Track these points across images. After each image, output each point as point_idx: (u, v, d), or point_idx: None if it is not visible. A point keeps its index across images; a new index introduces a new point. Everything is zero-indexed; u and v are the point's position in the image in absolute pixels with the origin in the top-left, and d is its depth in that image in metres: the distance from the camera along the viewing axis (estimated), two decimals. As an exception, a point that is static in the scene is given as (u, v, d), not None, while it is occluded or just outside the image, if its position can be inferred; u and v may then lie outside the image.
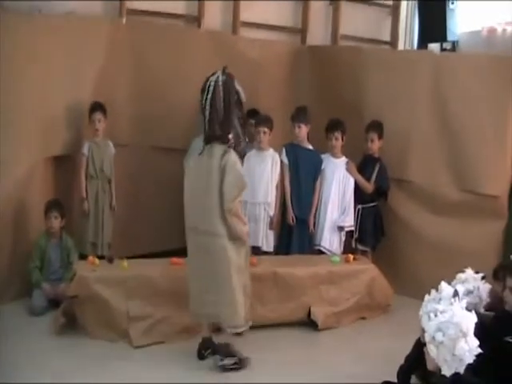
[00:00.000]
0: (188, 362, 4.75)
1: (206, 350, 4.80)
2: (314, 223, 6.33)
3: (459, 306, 3.69)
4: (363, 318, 5.95)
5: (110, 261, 5.25)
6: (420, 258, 6.59)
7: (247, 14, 7.29)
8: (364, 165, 6.51)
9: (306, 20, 7.66)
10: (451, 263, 6.29)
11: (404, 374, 4.38)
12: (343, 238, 6.43)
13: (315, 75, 7.38)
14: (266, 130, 6.18)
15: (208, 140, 4.64)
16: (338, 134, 6.36)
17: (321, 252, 6.32)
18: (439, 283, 6.19)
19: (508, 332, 4.16)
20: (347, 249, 6.45)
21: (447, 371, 3.57)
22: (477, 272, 4.85)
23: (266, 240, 6.18)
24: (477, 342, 3.57)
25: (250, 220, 5.98)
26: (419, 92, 6.62)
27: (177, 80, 6.77)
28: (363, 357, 5.15)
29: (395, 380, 4.38)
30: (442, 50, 7.97)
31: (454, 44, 7.90)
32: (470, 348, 3.55)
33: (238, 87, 4.69)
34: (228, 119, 4.58)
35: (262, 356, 4.92)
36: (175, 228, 6.57)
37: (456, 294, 3.84)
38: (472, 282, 4.73)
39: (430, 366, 3.72)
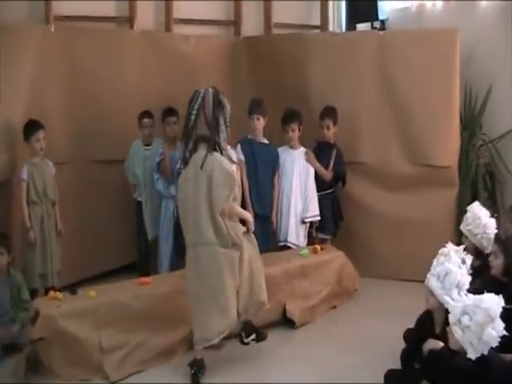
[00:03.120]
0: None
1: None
2: (277, 219, 5.59)
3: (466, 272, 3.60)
4: (334, 307, 5.35)
5: (73, 292, 4.32)
6: (378, 236, 6.07)
7: (180, 11, 6.47)
8: (320, 152, 5.80)
9: (239, 11, 6.86)
10: (409, 237, 6.00)
11: (409, 356, 3.88)
12: (307, 230, 5.72)
13: (255, 66, 6.59)
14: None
15: (195, 144, 4.13)
16: (294, 126, 5.63)
17: (285, 248, 5.57)
18: (399, 259, 5.84)
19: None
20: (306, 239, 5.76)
21: (473, 354, 3.22)
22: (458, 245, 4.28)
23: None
24: (502, 325, 3.21)
25: None
26: (364, 73, 6.02)
27: (113, 85, 5.88)
28: (346, 346, 4.62)
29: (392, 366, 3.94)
30: (373, 28, 7.32)
31: (384, 22, 7.25)
32: (497, 333, 3.20)
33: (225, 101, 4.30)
34: (216, 121, 4.14)
35: (247, 359, 4.39)
36: (125, 242, 5.97)
37: (464, 261, 3.69)
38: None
39: (453, 346, 3.35)
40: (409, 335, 4.41)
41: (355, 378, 4.11)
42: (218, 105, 4.20)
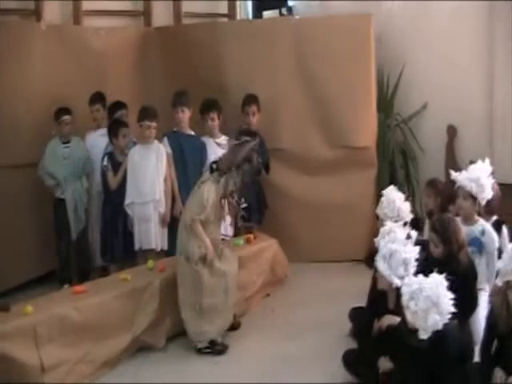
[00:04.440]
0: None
1: None
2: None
3: (412, 246, 3.63)
4: (267, 295, 5.18)
5: (6, 309, 3.78)
6: (301, 221, 5.92)
7: (88, 2, 5.95)
8: (242, 140, 5.54)
9: (149, 2, 6.43)
10: (331, 220, 5.91)
11: (364, 334, 3.81)
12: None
13: (167, 57, 6.19)
14: (152, 124, 5.05)
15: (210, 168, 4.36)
16: (213, 114, 5.35)
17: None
18: (322, 242, 5.75)
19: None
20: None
21: (424, 335, 3.20)
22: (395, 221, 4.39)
23: (162, 239, 5.07)
24: (449, 305, 3.19)
25: (140, 221, 4.97)
26: (281, 59, 5.81)
27: (18, 84, 5.28)
28: (290, 333, 4.48)
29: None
30: (281, 15, 7.10)
31: (291, 9, 7.06)
32: (441, 316, 3.18)
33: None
34: (237, 168, 4.32)
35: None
36: (42, 250, 5.44)
37: (409, 236, 3.73)
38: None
39: (409, 324, 3.29)
40: (355, 314, 4.35)
41: (310, 362, 4.02)
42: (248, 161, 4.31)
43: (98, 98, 5.48)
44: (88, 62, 5.75)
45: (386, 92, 6.25)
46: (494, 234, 4.40)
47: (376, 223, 5.80)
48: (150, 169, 4.99)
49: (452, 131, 6.07)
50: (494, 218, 4.58)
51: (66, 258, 5.31)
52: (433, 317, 3.16)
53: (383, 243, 3.70)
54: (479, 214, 4.44)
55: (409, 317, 3.24)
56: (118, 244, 5.05)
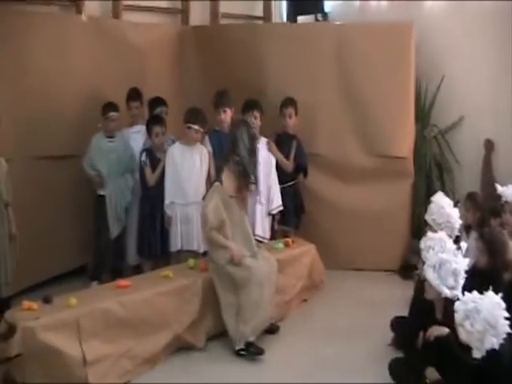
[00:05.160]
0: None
1: None
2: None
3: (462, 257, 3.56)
4: (305, 301, 5.05)
5: (48, 301, 3.67)
6: (337, 228, 5.79)
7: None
8: (280, 143, 5.42)
9: (187, 1, 6.35)
10: (367, 228, 5.82)
11: (411, 344, 3.70)
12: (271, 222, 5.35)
13: (203, 56, 6.10)
14: (201, 129, 4.89)
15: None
16: (256, 113, 5.19)
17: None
18: (357, 250, 5.65)
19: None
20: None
21: (478, 354, 3.11)
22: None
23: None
24: (506, 326, 3.09)
25: (182, 222, 4.84)
26: (321, 65, 5.71)
27: (60, 75, 5.18)
28: (330, 339, 4.36)
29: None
30: (316, 21, 7.03)
31: (327, 15, 6.99)
32: (498, 338, 3.09)
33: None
34: None
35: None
36: (76, 244, 5.32)
37: (459, 247, 3.74)
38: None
39: (462, 341, 3.20)
40: (398, 323, 4.24)
41: (350, 369, 3.91)
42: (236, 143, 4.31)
43: (136, 94, 5.36)
44: (125, 56, 5.67)
45: (424, 103, 6.15)
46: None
47: (409, 236, 5.88)
48: (195, 171, 4.82)
49: (489, 145, 5.97)
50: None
51: (102, 256, 5.16)
52: (489, 339, 3.08)
53: (433, 252, 3.61)
54: (524, 231, 4.37)
55: (463, 335, 3.15)
56: (155, 240, 4.92)
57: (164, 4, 6.34)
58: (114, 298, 3.75)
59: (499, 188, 4.47)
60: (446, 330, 3.44)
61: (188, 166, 4.83)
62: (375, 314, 4.73)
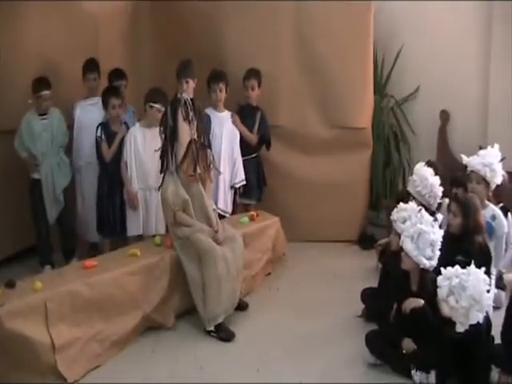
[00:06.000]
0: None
1: None
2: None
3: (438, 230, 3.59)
4: (269, 274, 4.99)
5: (11, 286, 3.46)
6: (297, 200, 5.72)
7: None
8: (243, 116, 5.29)
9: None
10: (327, 199, 5.78)
11: (385, 315, 3.71)
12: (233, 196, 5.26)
13: (163, 25, 5.81)
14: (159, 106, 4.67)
15: None
16: (222, 85, 5.05)
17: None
18: (317, 221, 5.63)
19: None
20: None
21: (461, 328, 3.18)
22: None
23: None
24: (489, 300, 3.17)
25: (142, 206, 4.72)
26: (281, 36, 5.56)
27: (11, 44, 4.81)
28: (301, 313, 4.32)
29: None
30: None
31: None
32: (482, 312, 3.16)
33: None
34: None
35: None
36: (21, 225, 4.99)
37: (436, 219, 3.81)
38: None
39: (443, 314, 3.25)
40: (368, 295, 4.25)
41: (327, 342, 3.90)
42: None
43: (94, 65, 5.07)
44: (79, 27, 5.34)
45: (381, 74, 6.14)
46: (504, 220, 4.40)
47: (366, 205, 5.90)
48: (156, 154, 4.44)
49: (445, 116, 6.02)
50: (501, 204, 4.59)
51: (44, 241, 4.89)
52: (474, 314, 3.12)
53: (410, 223, 3.62)
54: (489, 200, 4.44)
55: (446, 310, 3.19)
56: (114, 219, 4.74)
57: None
58: (80, 279, 3.60)
59: (465, 158, 4.49)
60: (421, 302, 3.48)
61: (149, 149, 4.60)
62: (340, 285, 4.74)
